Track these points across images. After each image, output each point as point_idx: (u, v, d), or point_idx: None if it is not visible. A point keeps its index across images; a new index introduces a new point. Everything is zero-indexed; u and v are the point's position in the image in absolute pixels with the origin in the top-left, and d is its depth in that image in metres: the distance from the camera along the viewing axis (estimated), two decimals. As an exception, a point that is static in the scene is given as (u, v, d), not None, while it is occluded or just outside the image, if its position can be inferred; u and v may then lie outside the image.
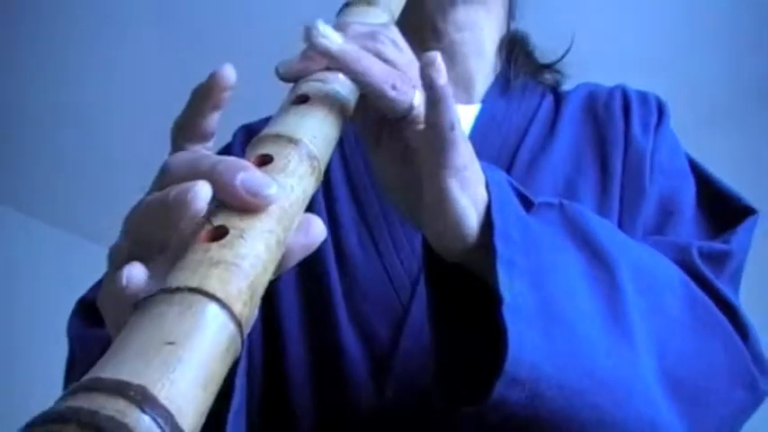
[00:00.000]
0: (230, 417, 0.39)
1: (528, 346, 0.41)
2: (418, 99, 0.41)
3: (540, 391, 0.41)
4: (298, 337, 0.59)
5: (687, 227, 0.62)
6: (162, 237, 0.32)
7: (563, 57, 0.76)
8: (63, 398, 0.22)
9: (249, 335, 0.60)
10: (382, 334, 0.58)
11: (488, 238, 0.43)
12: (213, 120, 0.39)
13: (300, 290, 0.61)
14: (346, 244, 0.62)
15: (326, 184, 0.65)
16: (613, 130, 0.68)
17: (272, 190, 0.31)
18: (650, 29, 1.99)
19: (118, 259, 0.34)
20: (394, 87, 0.40)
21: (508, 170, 0.64)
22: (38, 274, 2.44)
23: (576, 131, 0.69)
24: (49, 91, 2.12)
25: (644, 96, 0.71)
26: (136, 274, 0.30)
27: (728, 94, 2.15)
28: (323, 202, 0.64)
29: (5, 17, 1.90)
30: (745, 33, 2.02)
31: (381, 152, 0.45)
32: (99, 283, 0.65)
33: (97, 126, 2.24)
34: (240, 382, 0.42)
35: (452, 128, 0.41)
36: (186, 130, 0.39)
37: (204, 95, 0.37)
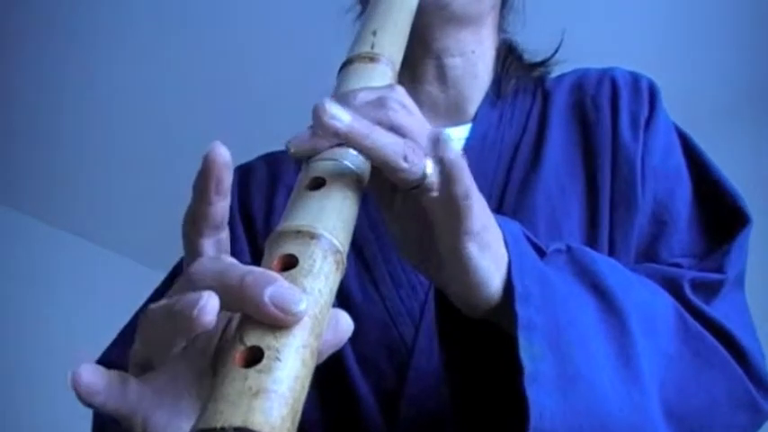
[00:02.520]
0: None
1: (547, 415, 0.42)
2: (430, 168, 0.40)
3: None
4: None
5: (681, 236, 0.61)
6: (172, 344, 0.32)
7: (553, 55, 0.75)
8: None
9: None
10: (389, 374, 0.58)
11: (510, 299, 0.43)
12: (222, 207, 0.38)
13: None
14: (348, 287, 0.62)
15: None
16: (601, 131, 0.66)
17: (303, 306, 0.31)
18: (650, 29, 1.99)
19: (132, 362, 0.35)
20: (405, 159, 0.39)
21: (504, 189, 0.64)
22: (38, 274, 2.44)
23: (564, 136, 0.67)
24: (49, 91, 2.12)
25: (635, 83, 0.69)
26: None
27: (728, 94, 2.15)
28: None
29: (5, 17, 1.89)
30: (746, 33, 2.02)
31: (396, 219, 0.45)
32: (113, 344, 0.67)
33: (97, 126, 2.24)
34: None
35: (467, 197, 0.41)
36: (197, 223, 0.38)
37: (204, 179, 0.37)
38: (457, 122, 0.70)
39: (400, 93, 0.43)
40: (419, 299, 0.60)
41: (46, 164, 2.36)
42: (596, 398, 0.44)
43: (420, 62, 0.71)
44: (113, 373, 0.34)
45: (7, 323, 2.34)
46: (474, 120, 0.70)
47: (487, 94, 0.72)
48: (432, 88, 0.71)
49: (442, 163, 0.40)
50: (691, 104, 1.87)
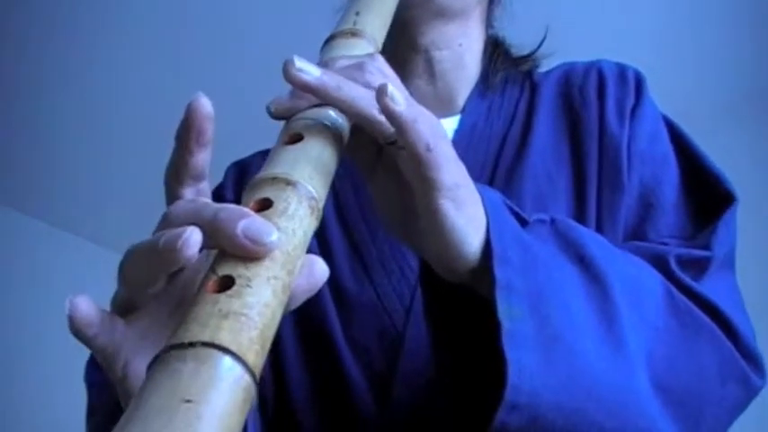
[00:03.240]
0: None
1: (526, 372, 0.41)
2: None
3: (539, 414, 0.42)
4: (299, 365, 0.61)
5: (668, 218, 0.61)
6: (154, 282, 0.33)
7: (538, 47, 0.75)
8: None
9: None
10: (379, 355, 0.59)
11: (488, 261, 0.43)
12: (203, 158, 0.38)
13: (298, 320, 0.62)
14: (339, 273, 0.62)
15: None
16: (588, 120, 0.67)
17: (274, 236, 0.31)
18: (650, 29, 1.99)
19: (113, 306, 0.35)
20: (380, 112, 0.40)
21: (492, 177, 0.64)
22: (38, 274, 2.44)
23: (551, 125, 0.68)
24: (48, 91, 2.12)
25: (621, 73, 0.70)
26: (80, 304, 0.33)
27: (728, 93, 2.15)
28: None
29: (5, 18, 1.90)
30: (745, 33, 2.02)
31: (377, 180, 0.46)
32: None
33: (97, 127, 2.24)
34: (251, 425, 0.43)
35: (429, 149, 0.41)
36: (178, 172, 0.39)
37: (186, 129, 0.37)
38: (446, 114, 0.70)
39: (380, 60, 0.44)
40: (409, 284, 0.61)
41: (46, 164, 2.37)
42: (579, 361, 0.44)
43: (408, 57, 0.71)
44: (104, 311, 0.35)
45: (8, 323, 2.35)
46: (463, 111, 0.71)
47: (476, 86, 0.73)
48: (420, 82, 0.72)
49: (391, 118, 0.40)
50: (690, 104, 1.87)
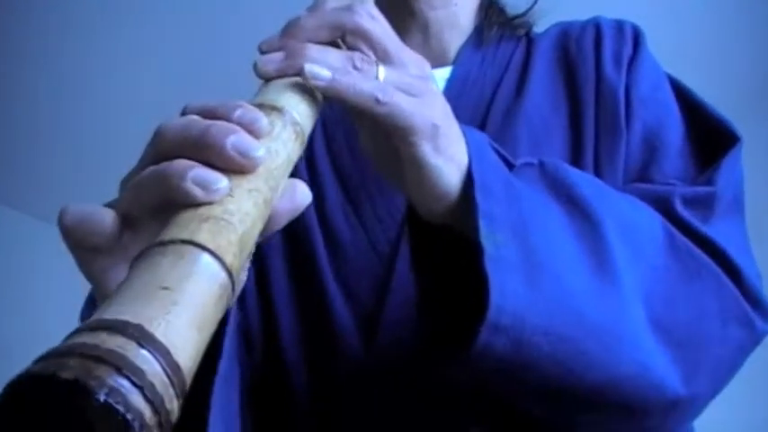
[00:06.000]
0: (216, 379, 0.40)
1: (510, 293, 0.41)
2: (382, 73, 0.42)
3: (524, 337, 0.41)
4: (287, 301, 0.61)
5: (673, 161, 0.61)
6: (155, 204, 0.33)
7: (532, 6, 0.75)
8: (68, 337, 0.24)
9: (245, 302, 0.60)
10: (367, 296, 0.59)
11: (469, 191, 0.43)
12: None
13: (287, 257, 0.63)
14: (332, 217, 0.63)
15: (310, 157, 0.67)
16: (585, 68, 0.67)
17: (260, 152, 0.33)
18: (649, 30, 1.99)
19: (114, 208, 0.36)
20: (378, 101, 0.40)
21: (483, 122, 0.65)
22: (38, 273, 2.44)
23: (547, 75, 0.68)
24: (47, 91, 2.12)
25: (619, 27, 0.70)
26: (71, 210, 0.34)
27: (729, 95, 2.15)
28: (306, 175, 0.66)
29: (4, 19, 1.90)
30: (746, 34, 2.02)
31: (365, 123, 0.46)
32: None
33: (97, 127, 2.24)
34: (229, 344, 0.42)
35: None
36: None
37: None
38: (438, 66, 0.70)
39: (370, 4, 0.45)
40: (397, 226, 0.61)
41: (46, 163, 2.37)
42: (566, 288, 0.43)
43: (403, 18, 0.72)
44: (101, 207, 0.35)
45: (8, 322, 2.35)
46: (455, 63, 0.71)
47: (469, 39, 0.73)
48: (415, 41, 0.72)
49: (355, 32, 0.41)
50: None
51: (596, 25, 0.71)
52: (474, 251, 0.43)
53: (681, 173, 0.60)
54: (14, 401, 0.22)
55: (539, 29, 0.75)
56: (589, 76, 0.66)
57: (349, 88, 0.40)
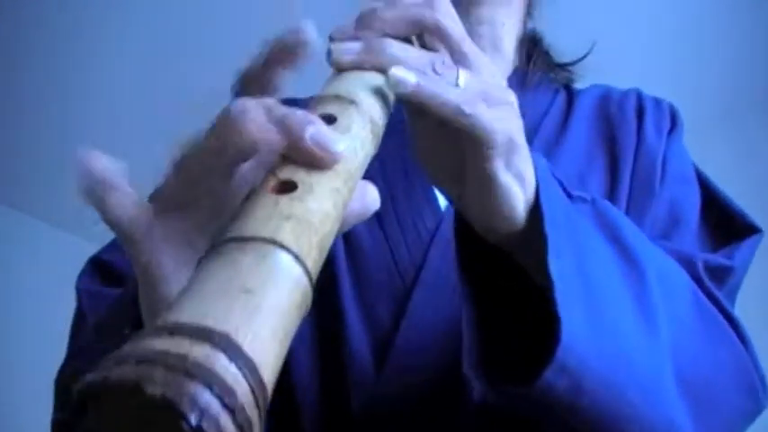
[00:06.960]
0: None
1: (578, 334, 0.40)
2: (463, 79, 0.39)
3: (583, 382, 0.40)
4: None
5: (691, 237, 0.62)
6: (212, 182, 0.31)
7: (583, 58, 0.76)
8: (142, 337, 0.21)
9: None
10: (384, 316, 0.58)
11: (537, 223, 0.41)
12: (283, 77, 0.36)
13: None
14: (357, 229, 0.60)
15: None
16: (626, 129, 0.68)
17: (341, 147, 0.30)
18: (649, 30, 1.99)
19: (153, 197, 0.34)
20: (463, 113, 0.38)
21: None
22: (38, 274, 2.44)
23: (587, 129, 0.69)
24: (48, 91, 2.12)
25: (658, 102, 0.72)
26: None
27: (728, 97, 2.15)
28: None
29: (3, 20, 1.90)
30: (746, 35, 2.02)
31: (423, 121, 0.43)
32: (112, 245, 0.67)
33: (98, 127, 2.24)
34: None
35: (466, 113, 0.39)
36: (252, 82, 0.35)
37: (279, 48, 0.35)
38: None
39: (447, 2, 0.42)
40: (423, 243, 0.59)
41: (46, 164, 2.36)
42: (619, 332, 0.42)
43: None
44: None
45: (8, 322, 2.34)
46: None
47: (515, 72, 0.72)
48: None
49: (435, 31, 0.40)
50: (690, 107, 1.87)
51: (638, 94, 0.72)
52: (524, 272, 0.42)
53: (700, 247, 0.61)
54: (86, 404, 0.20)
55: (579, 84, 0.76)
56: (630, 137, 0.67)
57: (434, 97, 0.37)
